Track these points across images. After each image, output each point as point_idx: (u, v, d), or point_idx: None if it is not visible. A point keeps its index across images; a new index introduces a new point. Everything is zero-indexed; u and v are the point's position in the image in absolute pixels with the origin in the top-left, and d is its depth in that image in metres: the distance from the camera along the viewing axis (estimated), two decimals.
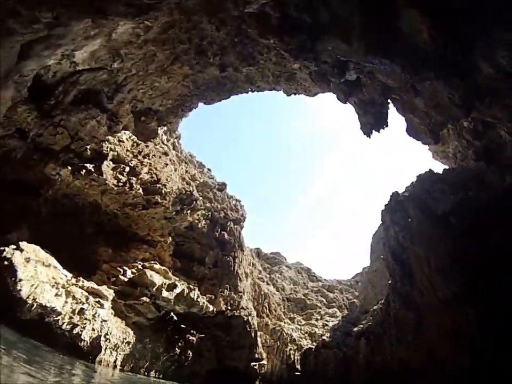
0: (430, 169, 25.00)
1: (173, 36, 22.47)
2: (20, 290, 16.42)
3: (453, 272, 17.40)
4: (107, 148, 24.36)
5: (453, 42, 13.30)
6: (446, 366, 17.36)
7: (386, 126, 21.77)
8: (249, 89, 30.85)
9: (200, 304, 27.58)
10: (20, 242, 18.00)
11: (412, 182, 25.69)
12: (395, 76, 17.30)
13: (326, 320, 39.24)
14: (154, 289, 24.79)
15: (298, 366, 31.73)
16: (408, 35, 14.20)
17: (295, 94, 30.58)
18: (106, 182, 23.99)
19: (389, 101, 20.57)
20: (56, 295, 18.27)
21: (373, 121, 21.73)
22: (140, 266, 26.56)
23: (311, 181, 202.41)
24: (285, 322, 37.09)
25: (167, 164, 30.33)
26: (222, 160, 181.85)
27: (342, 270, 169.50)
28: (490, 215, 16.61)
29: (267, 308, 37.63)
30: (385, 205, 27.20)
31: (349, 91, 21.95)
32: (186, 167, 36.15)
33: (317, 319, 39.92)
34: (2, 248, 17.06)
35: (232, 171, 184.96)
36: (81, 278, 21.14)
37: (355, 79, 20.39)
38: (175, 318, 26.20)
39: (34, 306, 16.76)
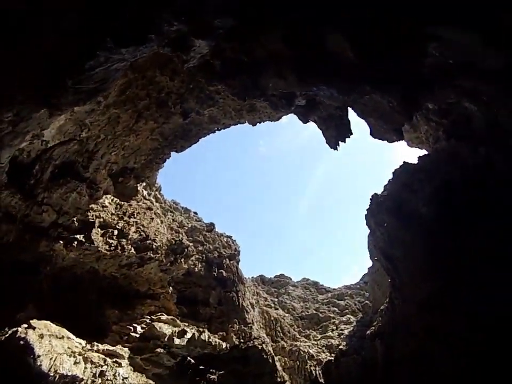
0: (404, 161, 25.96)
1: (132, 95, 24.18)
2: (41, 365, 17.83)
3: (426, 275, 18.56)
4: (92, 215, 26.02)
5: (379, 52, 15.03)
6: (434, 363, 18.60)
7: (351, 134, 22.85)
8: (215, 128, 32.48)
9: (213, 344, 28.93)
10: (31, 321, 19.53)
11: (389, 180, 27.12)
12: (334, 98, 19.05)
13: (341, 329, 40.16)
14: (166, 339, 26.27)
15: (322, 380, 32.54)
16: (336, 56, 15.67)
17: (259, 122, 32.18)
18: (99, 249, 25.56)
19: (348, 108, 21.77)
20: (75, 363, 19.69)
21: (336, 134, 23.03)
22: (148, 320, 27.95)
23: (301, 192, 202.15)
24: (300, 341, 37.96)
25: (152, 218, 32.05)
26: (211, 198, 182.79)
27: (351, 273, 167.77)
28: (467, 200, 16.70)
29: (280, 331, 38.58)
30: (367, 209, 28.42)
31: (306, 112, 23.45)
32: (173, 216, 37.90)
33: (332, 330, 40.91)
34: (15, 329, 18.60)
35: (224, 203, 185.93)
36: (95, 343, 22.56)
37: (310, 99, 21.87)
38: (193, 361, 27.38)
39: (57, 377, 18.16)
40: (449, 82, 14.78)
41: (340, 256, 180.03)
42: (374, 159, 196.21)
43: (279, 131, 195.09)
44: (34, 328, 19.07)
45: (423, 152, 25.53)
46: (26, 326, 19.02)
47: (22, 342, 17.97)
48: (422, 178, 21.04)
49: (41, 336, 19.06)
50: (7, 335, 18.32)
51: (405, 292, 23.56)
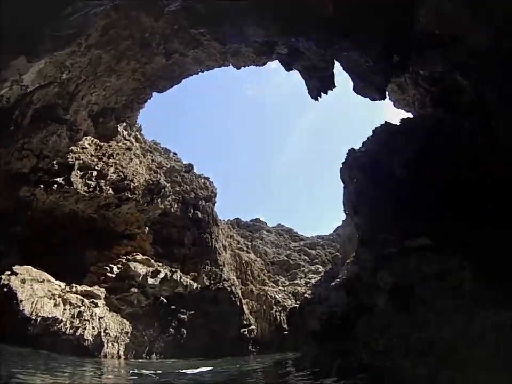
0: (386, 121, 27.10)
1: (115, 35, 24.31)
2: (23, 310, 19.78)
3: (387, 236, 20.44)
4: (72, 158, 26.95)
5: (361, 12, 15.65)
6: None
7: (334, 86, 23.61)
8: (199, 70, 32.77)
9: (184, 284, 31.58)
10: (13, 267, 21.28)
11: (368, 137, 28.27)
12: (313, 51, 19.76)
13: (309, 278, 43.42)
14: (140, 279, 28.54)
15: (285, 326, 36.02)
16: (317, 12, 16.36)
17: (244, 66, 32.40)
18: (78, 190, 26.84)
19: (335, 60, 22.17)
20: (55, 305, 21.77)
21: (319, 85, 23.71)
22: (124, 261, 30.06)
23: (285, 141, 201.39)
24: (269, 286, 41.05)
25: (131, 159, 33.13)
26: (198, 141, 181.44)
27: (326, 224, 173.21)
28: (443, 170, 17.03)
29: (250, 275, 41.56)
30: (342, 163, 29.74)
31: (289, 60, 23.99)
32: (152, 156, 39.05)
33: (301, 278, 44.09)
34: None
35: (207, 145, 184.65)
36: (73, 284, 24.61)
37: (292, 48, 22.36)
38: (165, 301, 30.01)
39: (38, 320, 20.20)
40: (438, 52, 15.83)
41: (318, 207, 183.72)
42: (364, 114, 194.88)
43: (267, 75, 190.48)
44: (16, 274, 20.87)
45: (409, 115, 26.72)
46: (9, 272, 20.79)
47: (5, 289, 19.81)
48: (402, 140, 22.41)
49: (23, 281, 20.92)
50: None
51: (368, 248, 25.78)
